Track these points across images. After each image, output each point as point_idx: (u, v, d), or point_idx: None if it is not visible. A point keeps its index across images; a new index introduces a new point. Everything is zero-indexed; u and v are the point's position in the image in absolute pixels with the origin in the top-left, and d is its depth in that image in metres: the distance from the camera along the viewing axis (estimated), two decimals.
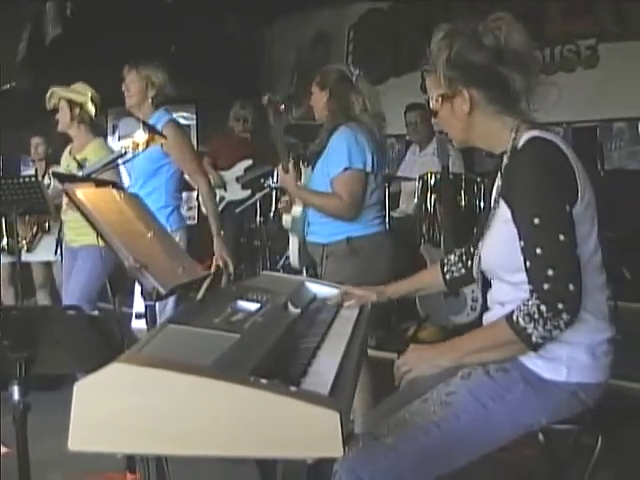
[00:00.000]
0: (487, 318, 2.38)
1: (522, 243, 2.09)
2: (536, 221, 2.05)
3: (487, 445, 2.19)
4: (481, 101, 2.23)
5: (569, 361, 2.15)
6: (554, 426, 2.25)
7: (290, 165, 3.88)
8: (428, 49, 2.28)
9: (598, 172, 6.44)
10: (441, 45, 2.22)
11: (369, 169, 3.73)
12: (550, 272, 2.03)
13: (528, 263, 2.08)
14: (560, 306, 2.03)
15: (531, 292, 2.07)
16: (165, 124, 4.36)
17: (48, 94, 5.15)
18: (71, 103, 5.11)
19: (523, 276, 2.11)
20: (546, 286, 2.04)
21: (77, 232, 4.80)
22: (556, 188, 2.08)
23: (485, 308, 2.46)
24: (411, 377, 2.27)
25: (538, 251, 2.05)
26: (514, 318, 2.09)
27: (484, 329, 2.31)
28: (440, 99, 2.27)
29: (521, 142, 2.18)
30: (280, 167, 3.98)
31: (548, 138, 2.14)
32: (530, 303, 2.06)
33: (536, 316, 2.04)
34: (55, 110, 5.16)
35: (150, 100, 4.53)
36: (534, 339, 2.07)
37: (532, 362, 2.17)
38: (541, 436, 2.36)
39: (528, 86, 2.21)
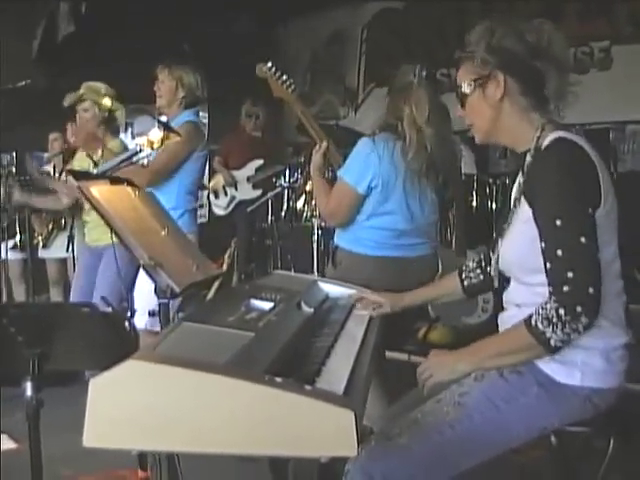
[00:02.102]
0: (502, 318, 2.38)
1: (543, 244, 2.08)
2: (558, 222, 2.03)
3: (499, 446, 2.19)
4: (514, 91, 2.22)
5: (583, 366, 2.15)
6: (566, 428, 2.24)
7: (323, 144, 3.65)
8: (467, 37, 2.26)
9: (611, 174, 6.41)
10: (483, 32, 2.22)
11: (361, 190, 3.45)
12: (570, 274, 2.02)
13: (548, 264, 2.07)
14: (579, 309, 2.01)
15: (550, 294, 2.06)
16: (182, 123, 4.36)
17: (80, 93, 5.11)
18: (101, 107, 5.11)
19: (540, 278, 2.11)
20: (566, 288, 2.02)
21: (102, 230, 4.76)
22: (580, 191, 2.07)
23: (498, 309, 2.46)
24: (432, 383, 2.26)
25: (559, 252, 2.04)
26: (532, 322, 2.07)
27: (503, 334, 2.30)
28: (473, 84, 2.25)
29: (546, 142, 2.16)
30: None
31: (574, 140, 2.13)
32: (548, 307, 2.04)
33: (554, 320, 2.03)
34: (72, 107, 5.15)
35: (179, 101, 4.55)
36: (553, 343, 2.05)
37: (546, 365, 2.16)
38: (553, 438, 2.35)
39: (561, 89, 2.21)
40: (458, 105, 2.37)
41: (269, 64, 3.75)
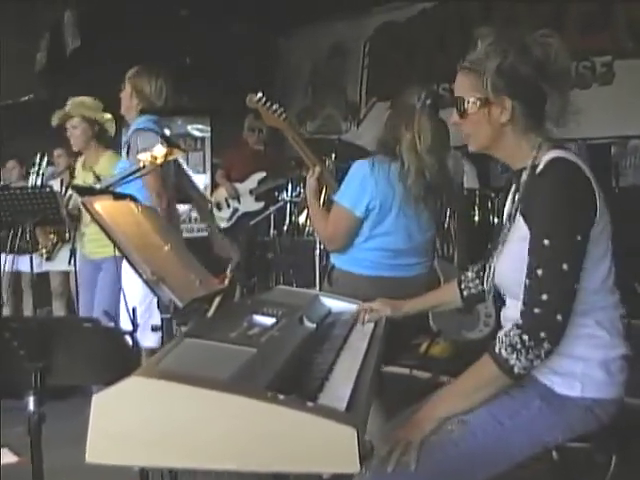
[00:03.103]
0: None
1: (528, 259, 2.09)
2: (546, 242, 2.04)
3: (504, 463, 2.19)
4: (518, 114, 2.21)
5: (583, 377, 2.16)
6: (568, 444, 2.25)
7: (316, 169, 3.67)
8: (472, 50, 2.24)
9: (613, 189, 6.42)
10: (492, 51, 2.18)
11: (358, 214, 3.46)
12: (545, 297, 2.04)
13: (527, 281, 2.08)
14: (542, 335, 2.03)
15: (521, 314, 2.08)
16: (131, 133, 4.38)
17: (67, 109, 5.15)
18: (90, 121, 5.13)
19: None
20: (537, 310, 2.05)
21: (99, 244, 4.74)
22: (573, 214, 2.07)
23: (499, 324, 2.47)
24: (416, 444, 2.11)
25: (539, 272, 2.05)
26: (497, 350, 2.09)
27: (470, 370, 2.24)
28: (478, 103, 2.22)
29: (543, 161, 2.16)
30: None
31: (571, 159, 2.13)
32: (512, 333, 2.07)
33: (518, 346, 2.04)
34: (62, 125, 5.18)
35: (134, 109, 4.51)
36: (516, 370, 2.06)
37: (547, 378, 2.19)
38: (555, 453, 2.35)
39: (562, 105, 2.21)
40: (454, 112, 2.32)
41: (259, 94, 3.77)
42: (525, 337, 2.03)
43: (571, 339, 2.15)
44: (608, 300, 2.22)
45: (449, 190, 3.69)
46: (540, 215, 2.10)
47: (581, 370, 2.17)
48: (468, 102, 2.24)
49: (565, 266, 2.03)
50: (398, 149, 3.43)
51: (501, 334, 2.11)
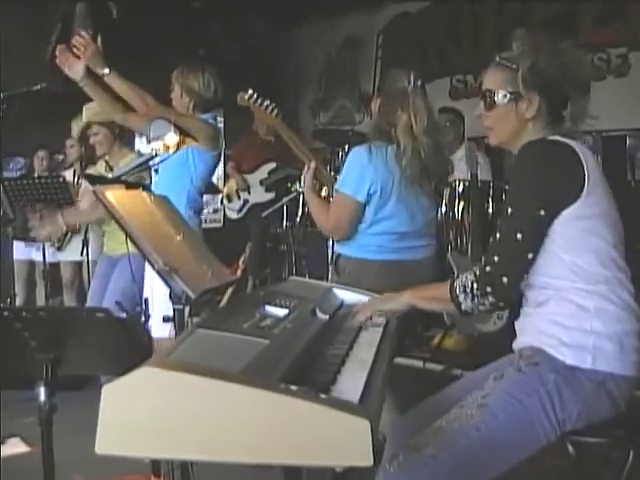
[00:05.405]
0: (518, 321, 2.47)
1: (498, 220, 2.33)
2: (509, 210, 2.27)
3: (526, 444, 2.21)
4: (542, 111, 2.37)
5: (594, 350, 2.22)
6: (585, 439, 2.25)
7: (312, 165, 3.71)
8: (512, 46, 2.40)
9: (629, 182, 6.36)
10: (526, 50, 2.35)
11: (361, 199, 3.47)
12: (496, 258, 2.27)
13: (491, 239, 2.33)
14: (488, 289, 2.26)
15: (479, 267, 2.31)
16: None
17: (84, 118, 5.15)
18: (109, 125, 5.12)
19: (547, 280, 2.28)
20: (488, 268, 2.28)
21: (120, 240, 4.74)
22: (541, 190, 2.24)
23: (513, 317, 2.54)
24: (377, 311, 2.66)
25: (498, 235, 2.30)
26: (455, 285, 2.36)
27: (437, 284, 2.58)
28: (508, 96, 2.38)
29: None
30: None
31: (560, 140, 2.29)
32: (469, 277, 2.32)
33: (468, 290, 2.31)
34: (84, 133, 5.18)
35: (187, 106, 4.53)
36: (463, 307, 2.34)
37: (558, 351, 2.24)
38: (571, 448, 2.33)
39: (580, 114, 2.37)
40: (480, 105, 2.49)
41: (250, 91, 3.78)
42: (475, 285, 2.29)
43: (578, 312, 2.24)
44: (614, 274, 2.29)
45: (445, 173, 3.73)
46: (511, 185, 2.36)
47: (592, 343, 2.23)
48: (498, 95, 2.40)
49: (519, 235, 2.23)
50: (394, 133, 3.46)
51: (464, 274, 2.36)
